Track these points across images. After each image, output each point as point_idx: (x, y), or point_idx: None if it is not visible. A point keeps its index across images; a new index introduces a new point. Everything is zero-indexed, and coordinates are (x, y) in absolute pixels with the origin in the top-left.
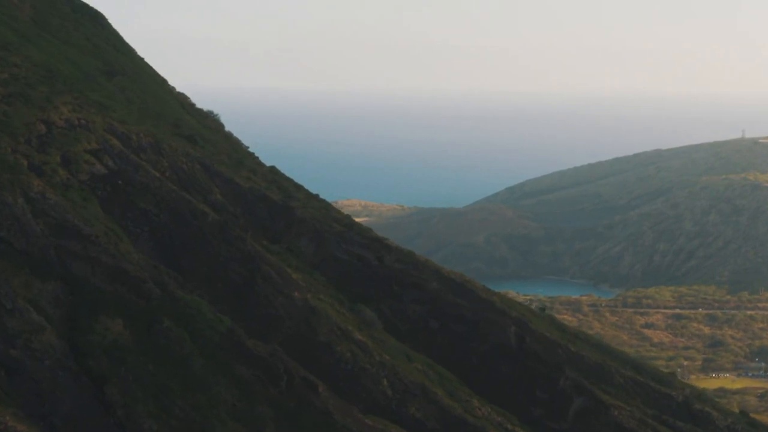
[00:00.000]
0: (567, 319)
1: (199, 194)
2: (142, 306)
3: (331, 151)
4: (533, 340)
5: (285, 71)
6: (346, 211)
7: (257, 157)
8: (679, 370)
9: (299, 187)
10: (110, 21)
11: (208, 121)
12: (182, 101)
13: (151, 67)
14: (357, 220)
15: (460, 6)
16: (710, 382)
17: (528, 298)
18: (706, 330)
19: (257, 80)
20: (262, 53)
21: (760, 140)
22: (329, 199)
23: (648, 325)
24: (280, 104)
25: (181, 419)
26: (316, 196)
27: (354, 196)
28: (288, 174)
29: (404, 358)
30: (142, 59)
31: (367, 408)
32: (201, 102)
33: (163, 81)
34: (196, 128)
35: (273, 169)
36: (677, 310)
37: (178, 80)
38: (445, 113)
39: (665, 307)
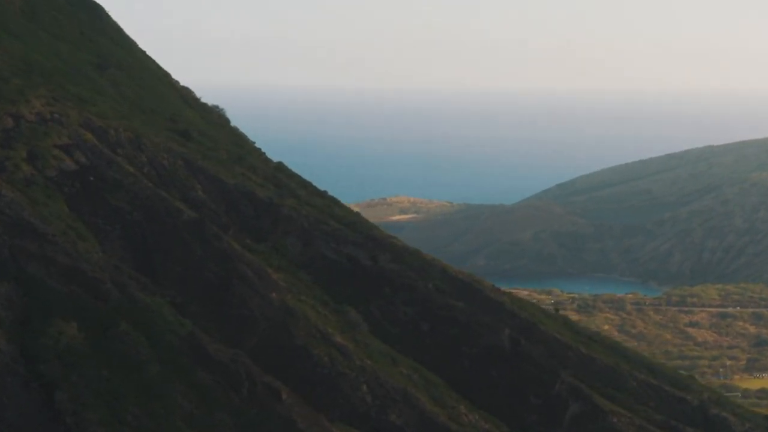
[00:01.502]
0: (609, 317)
1: (179, 191)
2: (100, 308)
3: (389, 149)
4: (538, 342)
5: (350, 71)
6: (394, 207)
7: (263, 153)
8: (721, 369)
9: (305, 184)
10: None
11: (213, 116)
12: (185, 96)
13: (153, 62)
14: (403, 216)
15: (515, 4)
16: (754, 383)
17: (571, 296)
18: (752, 329)
19: (321, 79)
20: (327, 53)
21: None
22: (377, 197)
23: (692, 324)
24: (345, 102)
25: (134, 427)
26: (324, 193)
27: (404, 192)
28: (337, 172)
29: (389, 362)
30: (143, 53)
31: (344, 415)
32: (267, 99)
33: (165, 75)
34: (196, 123)
35: (280, 166)
36: (723, 309)
37: (245, 79)
38: (502, 111)
39: (710, 306)
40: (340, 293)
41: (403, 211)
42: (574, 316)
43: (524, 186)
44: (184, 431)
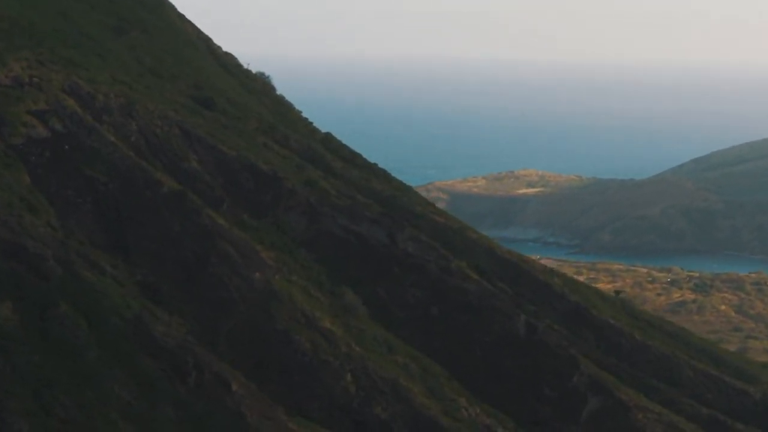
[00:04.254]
0: (727, 297)
1: (170, 161)
2: (41, 287)
3: (529, 122)
4: (588, 326)
5: (515, 42)
6: (521, 181)
7: (309, 124)
8: None
9: (349, 157)
10: None
11: (255, 84)
12: (225, 62)
13: (191, 26)
14: (529, 190)
15: None
16: None
17: (691, 274)
18: None
19: (479, 50)
20: (495, 22)
21: None
22: (507, 170)
23: None
24: (497, 74)
25: (62, 419)
26: (372, 166)
27: (535, 166)
28: (474, 143)
29: (383, 349)
30: (180, 17)
31: (323, 407)
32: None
33: (204, 41)
34: (227, 91)
35: (327, 137)
36: None
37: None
38: (647, 83)
39: None
40: (345, 273)
41: (530, 185)
42: (689, 296)
43: (660, 160)
44: (118, 424)
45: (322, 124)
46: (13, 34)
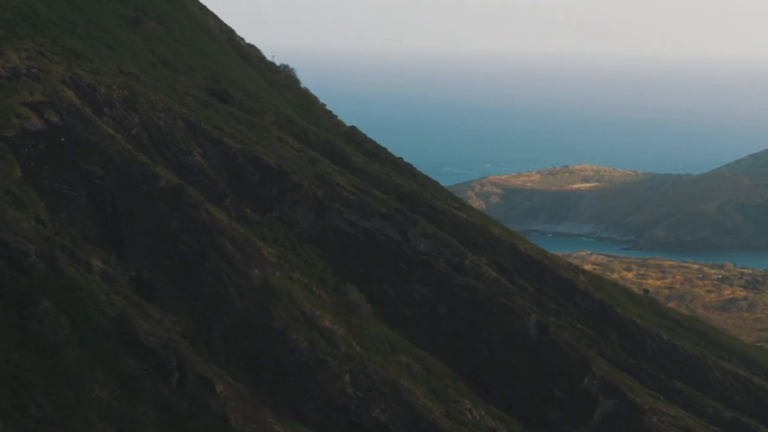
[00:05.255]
0: None
1: (172, 155)
2: (22, 284)
3: (587, 116)
4: (612, 325)
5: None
6: (576, 175)
7: (333, 117)
8: None
9: (372, 151)
10: None
11: (277, 77)
12: (248, 54)
13: (213, 17)
14: (584, 185)
15: None
16: None
17: (743, 271)
18: None
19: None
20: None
21: None
22: (563, 164)
23: None
24: (546, 68)
25: (38, 419)
26: (397, 160)
27: (593, 161)
28: (536, 137)
29: (386, 349)
30: (201, 8)
31: (319, 408)
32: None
33: (226, 32)
34: (246, 84)
35: (351, 130)
36: None
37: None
38: (708, 77)
39: None
40: (351, 270)
41: (585, 180)
42: (740, 293)
43: (717, 156)
44: (96, 426)
45: (377, 119)
46: (14, 24)
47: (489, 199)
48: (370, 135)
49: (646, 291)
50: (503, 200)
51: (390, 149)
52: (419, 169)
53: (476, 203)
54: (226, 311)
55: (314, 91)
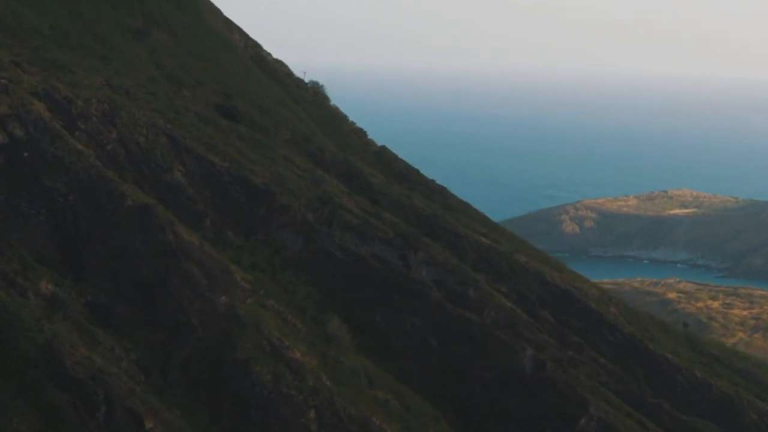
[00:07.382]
0: None
1: (151, 173)
2: None
3: (686, 137)
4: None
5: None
6: (674, 201)
7: (363, 135)
8: None
9: (402, 173)
10: None
11: (305, 93)
12: (274, 70)
13: (239, 32)
14: (681, 211)
15: None
16: None
17: None
18: None
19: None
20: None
21: None
22: (659, 189)
23: None
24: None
25: None
26: (431, 181)
27: (694, 186)
28: (640, 159)
29: (362, 383)
30: (227, 22)
31: None
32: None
33: (252, 47)
34: (259, 99)
35: (381, 150)
36: None
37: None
38: None
39: None
40: (339, 298)
41: (683, 205)
42: None
43: None
44: None
45: (501, 140)
46: None
47: (583, 223)
48: (479, 157)
49: (686, 324)
50: (597, 225)
51: (493, 170)
52: (518, 192)
53: (570, 227)
54: (187, 339)
55: (411, 112)
